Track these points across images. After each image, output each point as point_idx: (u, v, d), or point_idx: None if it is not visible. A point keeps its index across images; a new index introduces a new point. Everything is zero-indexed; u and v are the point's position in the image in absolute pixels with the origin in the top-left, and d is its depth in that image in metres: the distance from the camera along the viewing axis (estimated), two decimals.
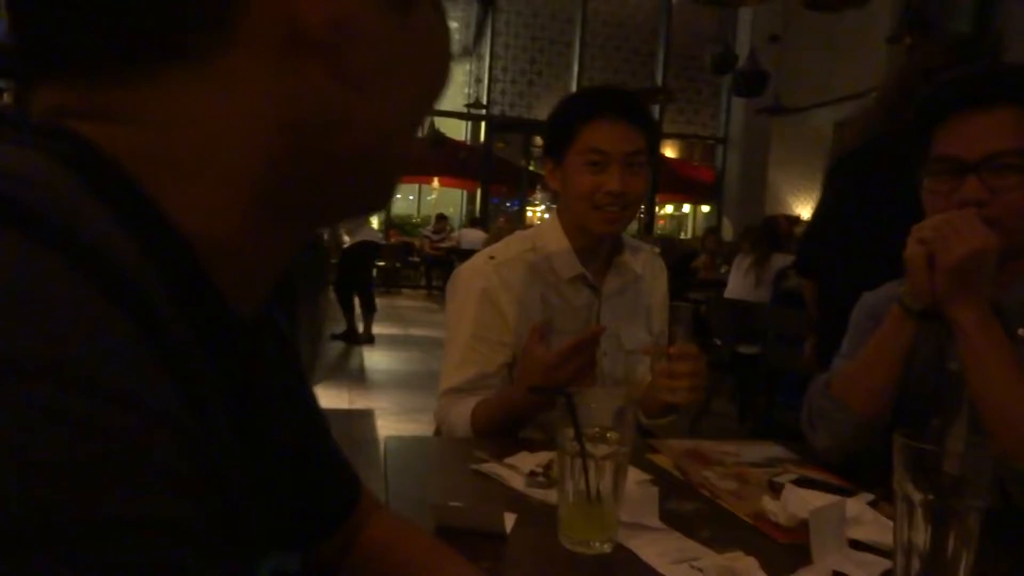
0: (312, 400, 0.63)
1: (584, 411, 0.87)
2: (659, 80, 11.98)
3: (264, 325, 0.49)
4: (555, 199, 1.61)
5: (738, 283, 5.02)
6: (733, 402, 4.80)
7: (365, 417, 4.45)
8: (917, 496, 0.73)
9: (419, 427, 4.08)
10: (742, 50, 10.29)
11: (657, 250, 1.65)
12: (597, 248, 1.51)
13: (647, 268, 1.59)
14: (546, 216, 15.02)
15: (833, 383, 1.19)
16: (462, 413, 1.37)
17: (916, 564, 0.74)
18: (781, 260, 4.80)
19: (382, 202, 0.48)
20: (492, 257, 1.49)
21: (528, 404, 1.29)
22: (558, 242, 1.50)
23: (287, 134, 0.38)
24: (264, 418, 0.45)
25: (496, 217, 12.61)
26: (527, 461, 1.13)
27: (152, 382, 0.29)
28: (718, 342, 4.43)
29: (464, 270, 1.52)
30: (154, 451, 0.27)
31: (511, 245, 1.52)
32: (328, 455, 0.65)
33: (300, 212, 0.42)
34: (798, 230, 9.03)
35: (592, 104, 1.44)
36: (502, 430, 1.34)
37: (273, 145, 0.38)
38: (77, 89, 0.37)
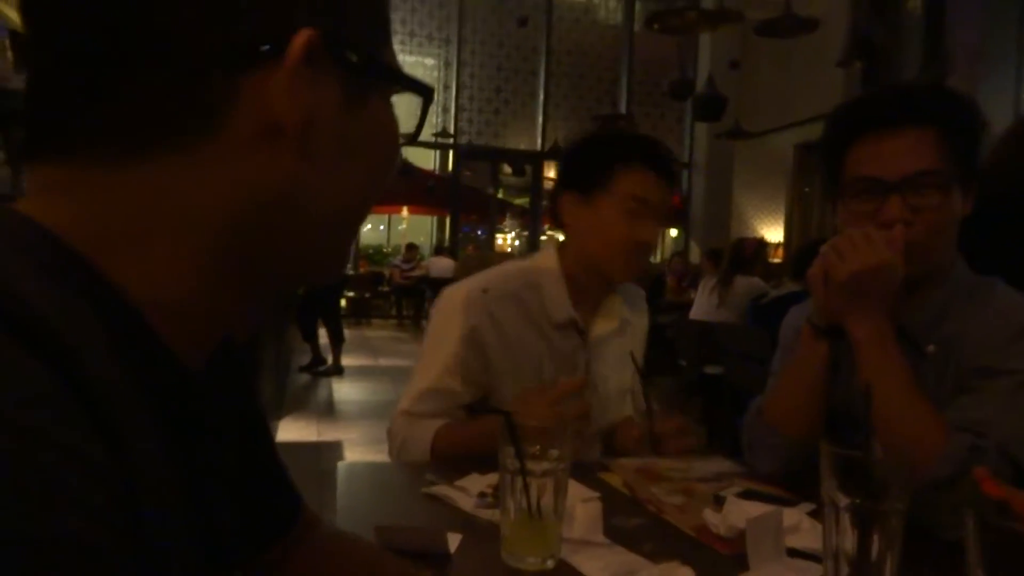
0: (261, 423, 0.67)
1: (524, 430, 0.89)
2: (622, 107, 12.16)
3: (216, 363, 0.52)
4: (554, 229, 1.58)
5: (702, 304, 5.07)
6: (702, 423, 4.83)
7: (333, 449, 4.41)
8: (843, 501, 0.75)
9: (387, 458, 4.05)
10: (703, 76, 10.52)
11: (642, 292, 1.65)
12: (593, 290, 1.48)
13: (633, 310, 1.57)
14: (516, 243, 15.02)
15: (764, 408, 1.21)
16: (421, 437, 1.35)
17: (845, 567, 0.75)
18: (745, 282, 4.84)
19: (336, 271, 0.53)
20: (486, 290, 1.43)
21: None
22: (555, 283, 1.45)
23: (250, 210, 0.44)
24: (206, 449, 0.49)
25: (465, 245, 12.65)
26: (477, 483, 1.13)
27: (66, 423, 0.32)
28: (683, 363, 4.46)
29: (456, 297, 1.46)
30: (63, 481, 0.30)
31: (507, 279, 1.47)
32: (270, 474, 0.69)
33: (257, 281, 0.47)
34: (767, 252, 9.19)
35: (635, 150, 1.40)
36: (460, 456, 1.32)
37: (234, 220, 0.43)
38: (66, 167, 0.42)
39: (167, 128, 0.41)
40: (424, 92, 0.52)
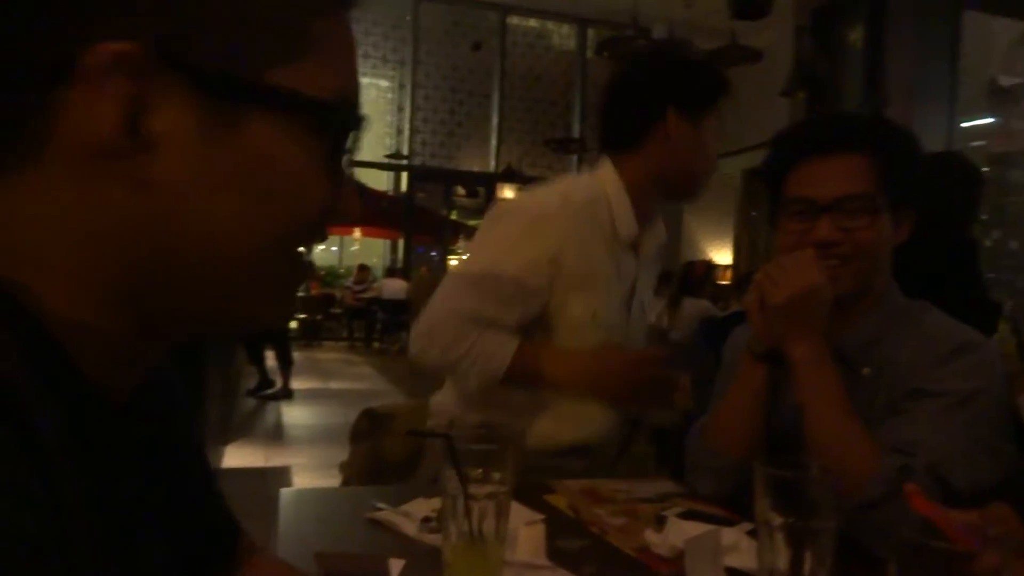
0: (197, 453, 0.66)
1: (465, 453, 0.89)
2: (575, 131, 12.31)
3: (146, 393, 0.51)
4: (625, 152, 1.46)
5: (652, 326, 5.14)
6: (650, 443, 4.87)
7: (280, 474, 4.33)
8: (776, 520, 0.77)
9: (337, 482, 3.98)
10: None
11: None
12: (649, 208, 1.48)
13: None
14: None
15: (705, 430, 1.23)
16: (504, 343, 1.30)
17: None
18: (694, 304, 4.92)
19: (271, 317, 0.49)
20: (565, 199, 1.38)
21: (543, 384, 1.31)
22: (621, 199, 1.42)
23: (101, 239, 0.41)
24: (134, 483, 0.48)
25: (419, 267, 12.60)
26: (422, 507, 1.13)
27: (7, 460, 0.32)
28: None
29: (533, 205, 1.41)
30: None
31: (577, 190, 1.42)
32: (205, 505, 0.67)
33: (162, 316, 0.45)
34: (715, 275, 9.35)
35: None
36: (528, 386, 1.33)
37: (88, 250, 0.41)
38: None
39: None
40: (333, 117, 0.45)
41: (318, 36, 0.45)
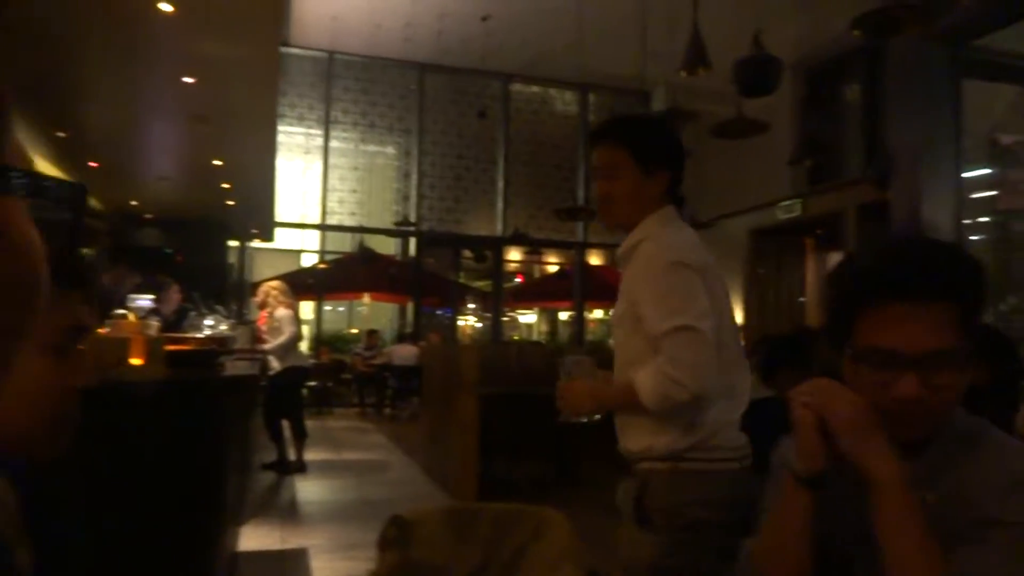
0: None
1: None
2: (580, 196, 12.45)
3: None
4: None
5: None
6: None
7: (298, 557, 4.27)
8: None
9: (357, 565, 3.94)
10: None
11: None
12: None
13: None
14: (479, 325, 14.92)
15: (753, 554, 1.21)
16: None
17: None
18: None
19: (37, 448, 0.43)
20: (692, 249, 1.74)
21: None
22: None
23: None
24: None
25: (428, 330, 12.63)
26: None
27: None
28: None
29: (664, 248, 1.72)
30: None
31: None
32: None
33: None
34: None
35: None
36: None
37: None
38: None
39: None
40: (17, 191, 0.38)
41: None
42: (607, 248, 14.33)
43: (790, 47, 7.29)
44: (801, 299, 10.50)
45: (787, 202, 9.64)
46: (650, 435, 1.71)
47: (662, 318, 1.63)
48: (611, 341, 1.98)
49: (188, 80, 6.27)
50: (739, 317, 11.16)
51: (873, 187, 7.24)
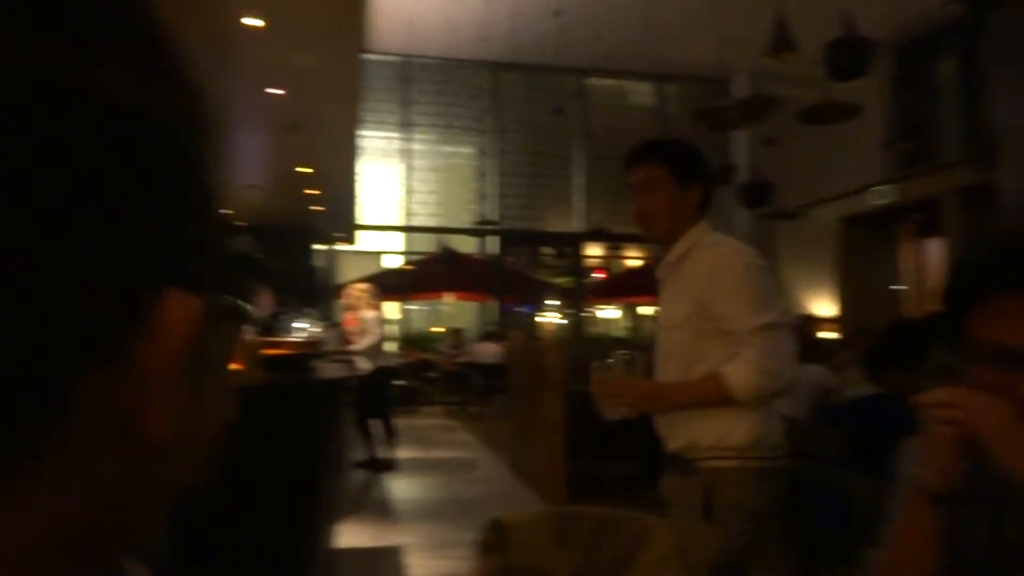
0: None
1: None
2: None
3: None
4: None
5: None
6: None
7: (392, 555, 4.35)
8: None
9: (450, 564, 3.98)
10: (738, 152, 10.54)
11: None
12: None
13: None
14: (563, 321, 14.96)
15: (880, 565, 1.16)
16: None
17: None
18: (809, 372, 4.10)
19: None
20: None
21: None
22: None
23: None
24: None
25: (510, 327, 12.69)
26: None
27: None
28: None
29: (734, 251, 1.86)
30: None
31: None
32: None
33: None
34: (813, 328, 9.00)
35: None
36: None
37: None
38: None
39: None
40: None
41: None
42: None
43: (878, 25, 6.97)
44: (895, 287, 10.07)
45: (880, 188, 9.24)
46: (724, 428, 1.82)
47: (750, 315, 1.77)
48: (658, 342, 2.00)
49: (275, 91, 6.48)
50: (832, 308, 10.80)
51: (974, 170, 6.86)
